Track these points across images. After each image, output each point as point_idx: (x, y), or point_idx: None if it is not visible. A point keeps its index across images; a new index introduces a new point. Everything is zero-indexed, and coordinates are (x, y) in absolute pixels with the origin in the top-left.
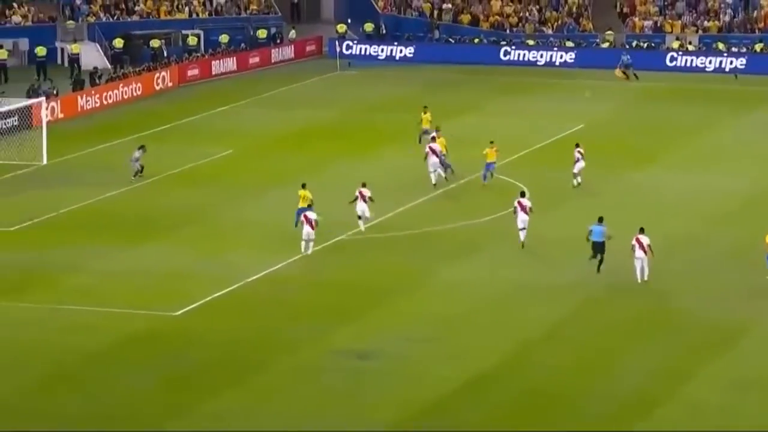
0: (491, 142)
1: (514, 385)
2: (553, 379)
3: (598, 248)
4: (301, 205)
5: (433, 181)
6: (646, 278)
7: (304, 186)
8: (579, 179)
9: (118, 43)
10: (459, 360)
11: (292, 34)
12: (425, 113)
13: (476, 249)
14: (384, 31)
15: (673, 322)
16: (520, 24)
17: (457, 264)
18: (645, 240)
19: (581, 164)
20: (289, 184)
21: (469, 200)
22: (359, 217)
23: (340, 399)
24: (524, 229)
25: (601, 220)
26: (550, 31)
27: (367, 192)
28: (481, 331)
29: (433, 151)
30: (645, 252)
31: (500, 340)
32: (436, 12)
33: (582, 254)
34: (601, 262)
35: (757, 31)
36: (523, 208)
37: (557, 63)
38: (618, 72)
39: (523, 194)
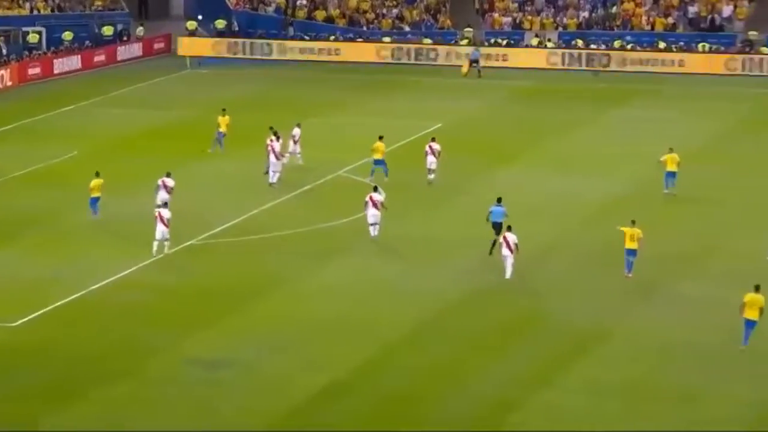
0: (380, 137)
1: (372, 390)
2: (411, 383)
3: (498, 229)
4: (93, 195)
5: (270, 181)
6: (508, 276)
7: (98, 174)
8: (432, 176)
9: None
10: (317, 366)
11: (140, 31)
12: (223, 116)
13: (336, 251)
14: (236, 28)
15: (536, 326)
16: (376, 20)
17: (316, 267)
18: (512, 238)
19: (431, 159)
20: (137, 186)
21: (326, 201)
22: (165, 205)
23: (192, 410)
24: (376, 224)
25: (499, 200)
26: (407, 28)
27: (170, 182)
28: (341, 335)
29: (273, 150)
30: (511, 250)
31: (361, 345)
32: (290, 9)
33: (448, 255)
34: (494, 244)
35: (616, 28)
36: (374, 204)
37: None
38: (464, 67)
39: (375, 189)
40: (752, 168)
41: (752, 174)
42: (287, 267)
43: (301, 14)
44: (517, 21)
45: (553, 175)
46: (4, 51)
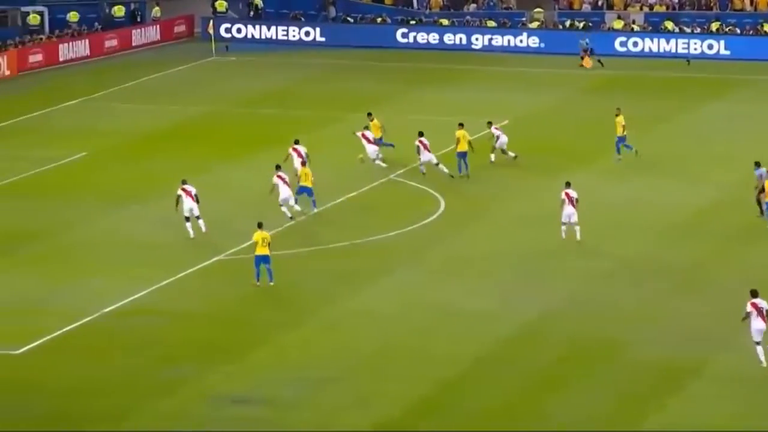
0: (461, 124)
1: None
2: (475, 425)
3: None
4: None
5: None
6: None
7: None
8: (498, 157)
9: None
10: (363, 405)
11: (157, 11)
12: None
13: (384, 270)
14: (267, 9)
15: (614, 359)
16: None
17: (360, 288)
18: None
19: (504, 138)
20: (154, 193)
21: (374, 211)
22: (187, 219)
23: None
24: (570, 223)
25: (758, 164)
26: (469, 8)
27: (192, 189)
28: (391, 369)
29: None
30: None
31: (413, 380)
32: None
33: (506, 273)
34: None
35: (714, 8)
36: (571, 201)
37: (476, 47)
38: (587, 61)
39: (568, 184)
40: None
41: None
42: (327, 287)
43: None
44: (599, 3)
45: (634, 179)
46: None
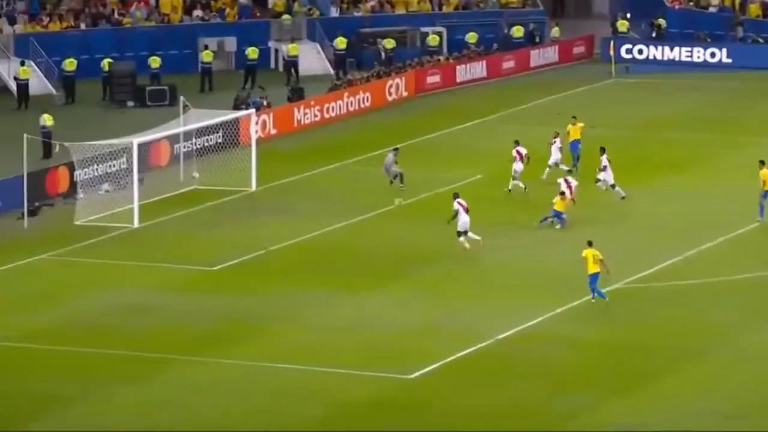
0: (761, 162)
1: None
2: None
3: None
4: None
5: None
6: None
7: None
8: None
9: (341, 43)
10: None
11: (556, 31)
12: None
13: None
14: (671, 30)
15: None
16: None
17: (765, 322)
18: None
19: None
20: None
21: None
22: (465, 233)
23: None
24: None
25: None
26: None
27: (464, 203)
28: None
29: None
30: None
31: None
32: (740, 6)
33: None
34: None
35: None
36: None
37: None
38: None
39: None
40: None
41: None
42: (730, 320)
43: (754, 11)
44: None
45: None
46: (399, 55)
